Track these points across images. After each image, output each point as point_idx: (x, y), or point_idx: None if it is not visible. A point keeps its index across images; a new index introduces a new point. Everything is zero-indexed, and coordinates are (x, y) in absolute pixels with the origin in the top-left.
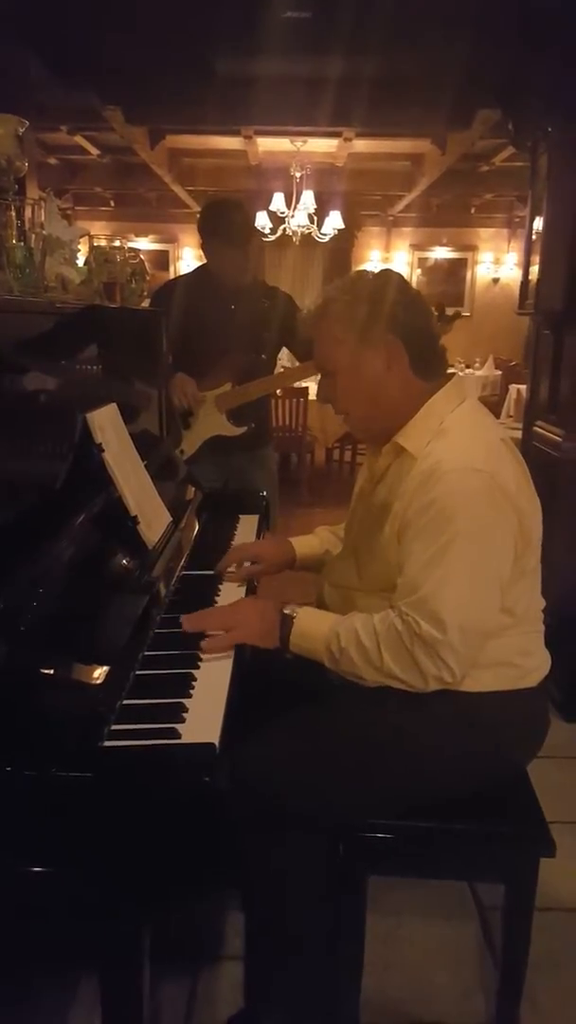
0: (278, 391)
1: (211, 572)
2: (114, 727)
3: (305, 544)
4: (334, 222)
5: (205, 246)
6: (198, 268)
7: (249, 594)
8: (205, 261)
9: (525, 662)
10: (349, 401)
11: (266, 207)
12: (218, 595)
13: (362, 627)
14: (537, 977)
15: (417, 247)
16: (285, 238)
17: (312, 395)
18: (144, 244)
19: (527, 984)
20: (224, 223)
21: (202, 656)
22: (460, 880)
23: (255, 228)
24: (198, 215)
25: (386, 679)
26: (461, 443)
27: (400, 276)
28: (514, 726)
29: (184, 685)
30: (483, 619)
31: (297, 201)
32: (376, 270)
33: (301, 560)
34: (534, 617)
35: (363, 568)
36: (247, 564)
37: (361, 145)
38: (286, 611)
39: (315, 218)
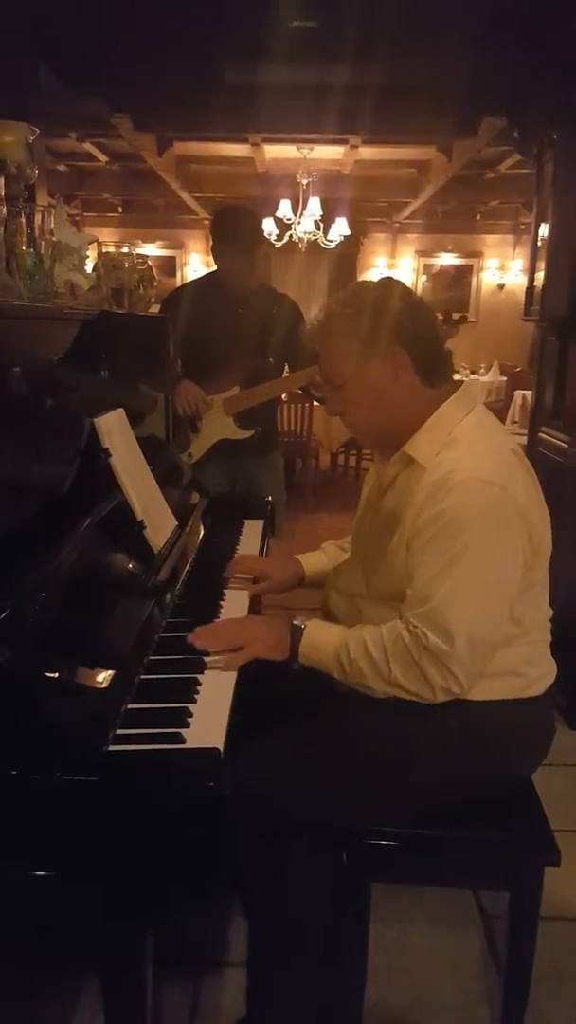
0: (284, 395)
1: (216, 576)
2: (119, 731)
3: (314, 562)
4: (340, 229)
5: (215, 250)
6: (207, 275)
7: (252, 612)
8: (213, 268)
9: (531, 671)
10: (358, 413)
11: (272, 214)
12: (223, 599)
13: (370, 638)
14: (542, 987)
15: (423, 253)
16: (291, 244)
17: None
18: (151, 250)
19: (532, 994)
20: (233, 228)
21: (207, 661)
22: (464, 888)
23: (263, 234)
24: (211, 220)
25: (394, 690)
26: (471, 454)
27: (401, 284)
28: (519, 734)
29: (189, 690)
30: (491, 631)
31: (303, 208)
32: (377, 279)
33: (310, 578)
34: (541, 627)
35: (370, 576)
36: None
37: (367, 152)
38: (295, 622)
39: (321, 225)
